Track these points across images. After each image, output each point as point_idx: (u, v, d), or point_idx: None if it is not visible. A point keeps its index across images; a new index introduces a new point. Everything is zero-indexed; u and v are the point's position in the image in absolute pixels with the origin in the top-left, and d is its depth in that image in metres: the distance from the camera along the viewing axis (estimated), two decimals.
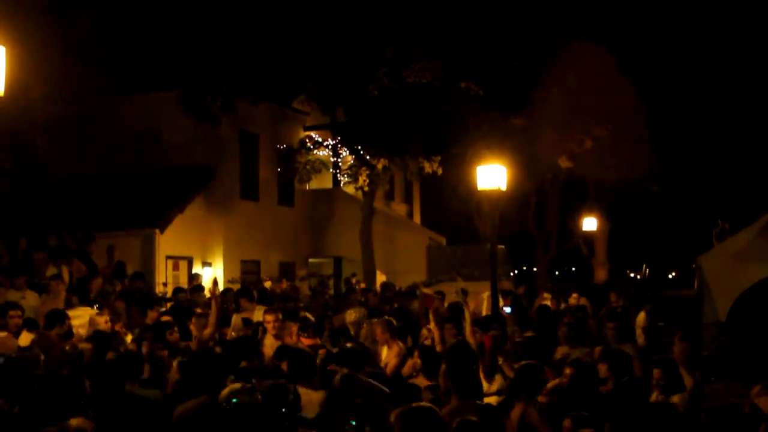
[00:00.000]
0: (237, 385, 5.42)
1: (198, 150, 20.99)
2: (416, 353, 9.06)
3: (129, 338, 10.02)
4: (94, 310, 10.77)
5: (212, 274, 19.92)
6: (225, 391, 5.35)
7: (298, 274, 22.53)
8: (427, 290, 14.57)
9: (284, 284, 17.50)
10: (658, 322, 17.95)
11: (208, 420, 5.50)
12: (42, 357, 7.53)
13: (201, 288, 15.44)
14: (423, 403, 5.11)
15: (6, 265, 13.51)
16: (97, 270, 14.70)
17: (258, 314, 11.43)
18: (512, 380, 7.06)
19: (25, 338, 9.01)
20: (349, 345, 8.34)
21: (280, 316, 10.23)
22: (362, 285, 19.06)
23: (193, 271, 20.14)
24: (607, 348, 9.18)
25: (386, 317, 10.14)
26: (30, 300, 11.64)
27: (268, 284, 17.28)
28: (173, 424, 5.66)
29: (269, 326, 10.03)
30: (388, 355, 9.41)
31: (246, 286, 14.78)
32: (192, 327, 10.63)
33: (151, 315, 11.38)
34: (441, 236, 29.43)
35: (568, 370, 7.52)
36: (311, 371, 6.94)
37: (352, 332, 11.00)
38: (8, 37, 7.38)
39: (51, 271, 13.34)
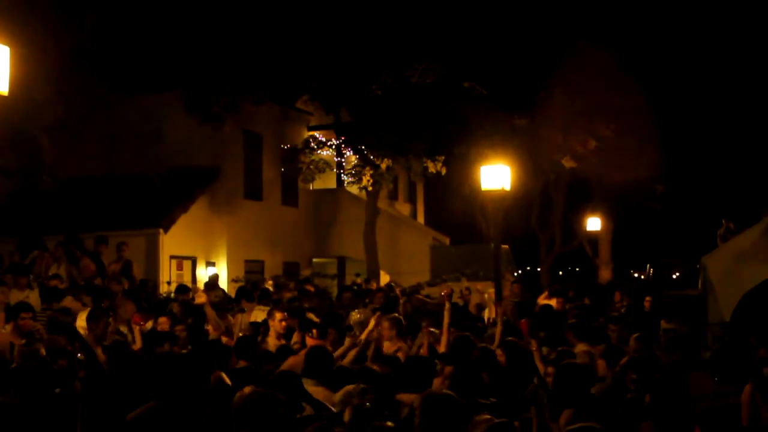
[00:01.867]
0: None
1: (202, 150, 21.00)
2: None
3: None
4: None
5: (216, 273, 19.99)
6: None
7: (302, 274, 22.54)
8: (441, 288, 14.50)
9: (291, 285, 17.41)
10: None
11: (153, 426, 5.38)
12: (42, 351, 7.52)
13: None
14: (446, 390, 5.18)
15: (14, 264, 13.55)
16: (105, 271, 14.76)
17: (256, 314, 11.45)
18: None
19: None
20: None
21: (286, 316, 10.23)
22: (374, 285, 19.08)
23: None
24: (611, 346, 9.26)
25: (395, 315, 10.17)
26: (33, 299, 11.69)
27: (269, 284, 17.19)
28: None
29: (274, 326, 10.03)
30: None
31: (244, 287, 14.72)
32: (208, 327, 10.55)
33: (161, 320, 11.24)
34: (444, 236, 29.41)
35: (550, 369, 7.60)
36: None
37: (357, 332, 10.99)
38: (12, 37, 7.39)
39: (52, 270, 13.41)
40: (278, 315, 10.10)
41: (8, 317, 9.50)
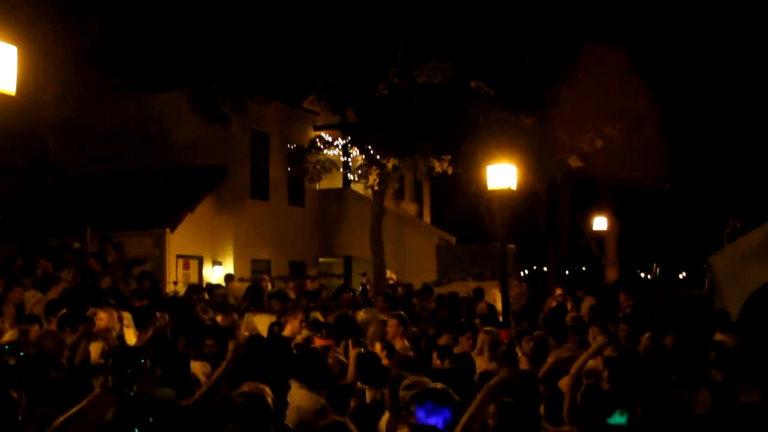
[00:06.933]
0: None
1: (208, 150, 21.03)
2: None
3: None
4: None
5: (222, 273, 20.02)
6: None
7: (308, 273, 22.54)
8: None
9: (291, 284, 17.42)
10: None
11: None
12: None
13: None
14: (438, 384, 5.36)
15: (21, 265, 13.56)
16: (111, 271, 14.77)
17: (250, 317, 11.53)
18: None
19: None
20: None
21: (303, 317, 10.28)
22: (390, 282, 19.21)
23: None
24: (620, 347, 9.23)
25: (401, 313, 10.22)
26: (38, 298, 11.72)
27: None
28: None
29: (293, 327, 10.06)
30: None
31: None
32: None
33: None
34: (451, 236, 29.39)
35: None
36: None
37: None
38: (20, 37, 7.40)
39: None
40: (300, 315, 10.17)
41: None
